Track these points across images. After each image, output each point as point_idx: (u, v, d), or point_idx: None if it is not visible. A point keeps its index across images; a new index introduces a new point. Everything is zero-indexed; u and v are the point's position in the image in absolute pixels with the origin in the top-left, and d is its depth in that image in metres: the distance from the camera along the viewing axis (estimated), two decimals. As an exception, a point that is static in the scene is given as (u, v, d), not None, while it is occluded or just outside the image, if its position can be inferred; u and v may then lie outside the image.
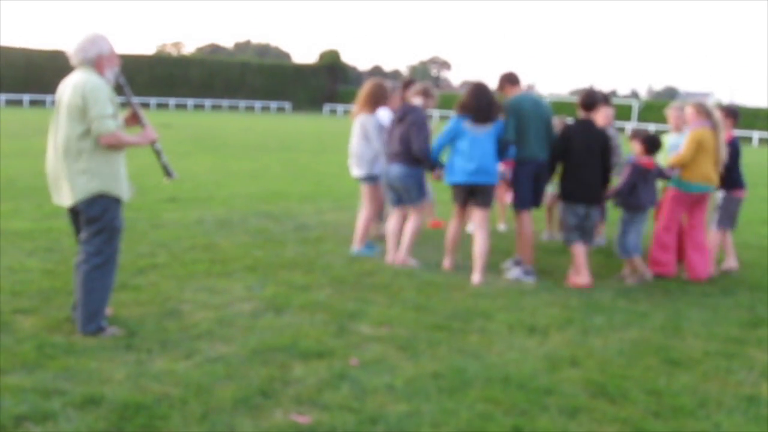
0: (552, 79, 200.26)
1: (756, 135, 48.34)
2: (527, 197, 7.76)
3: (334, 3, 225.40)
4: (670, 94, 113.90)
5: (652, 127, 36.79)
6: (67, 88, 5.18)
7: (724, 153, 7.86)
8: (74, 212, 5.36)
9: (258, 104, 69.74)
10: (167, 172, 5.73)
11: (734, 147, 8.19)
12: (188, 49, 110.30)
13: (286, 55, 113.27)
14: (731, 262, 8.49)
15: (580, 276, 7.54)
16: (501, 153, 7.67)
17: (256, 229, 9.61)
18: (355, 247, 8.49)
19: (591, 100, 7.75)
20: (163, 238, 8.74)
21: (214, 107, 66.54)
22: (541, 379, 4.86)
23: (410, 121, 7.76)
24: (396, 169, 7.85)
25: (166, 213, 10.47)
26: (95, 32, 5.29)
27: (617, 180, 8.05)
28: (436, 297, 6.78)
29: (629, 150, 8.17)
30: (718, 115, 7.89)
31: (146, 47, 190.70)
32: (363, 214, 8.53)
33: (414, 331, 5.72)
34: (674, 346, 5.69)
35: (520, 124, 7.60)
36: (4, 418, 3.92)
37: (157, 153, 5.67)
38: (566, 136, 7.71)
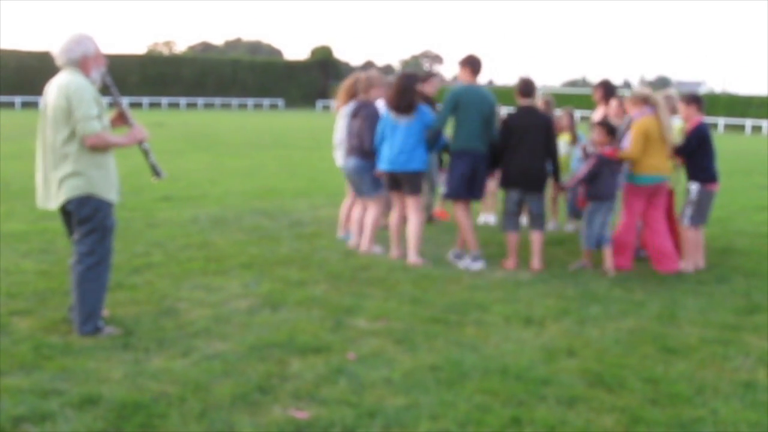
0: (545, 70, 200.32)
1: (749, 123, 48.46)
2: (458, 188, 7.78)
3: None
4: (663, 83, 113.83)
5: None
6: (52, 90, 5.17)
7: (672, 135, 7.66)
8: (66, 213, 5.35)
9: (250, 101, 69.58)
10: (155, 172, 5.71)
11: (701, 134, 7.83)
12: (179, 47, 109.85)
13: (278, 52, 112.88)
14: (699, 261, 8.00)
15: (509, 260, 7.79)
16: (432, 142, 7.86)
17: (251, 227, 9.61)
18: (340, 232, 8.94)
19: (529, 88, 7.83)
20: (158, 237, 8.73)
21: (207, 105, 66.38)
22: (539, 369, 4.87)
23: (363, 116, 8.11)
24: (351, 162, 8.22)
25: (160, 212, 10.46)
26: (80, 33, 5.26)
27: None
28: (432, 290, 6.79)
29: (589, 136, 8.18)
30: (657, 97, 7.76)
31: (137, 47, 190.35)
32: (346, 202, 8.93)
33: (411, 325, 5.73)
34: (670, 334, 5.71)
35: (457, 114, 7.72)
36: (3, 420, 3.92)
37: (145, 152, 5.64)
38: (507, 124, 7.78)
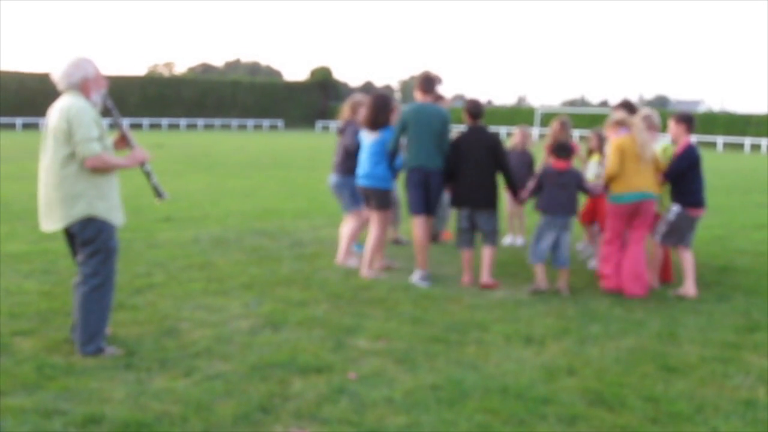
0: (544, 90, 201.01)
1: (748, 141, 48.61)
2: (413, 203, 7.96)
3: (324, 20, 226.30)
4: (662, 102, 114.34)
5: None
6: (54, 113, 5.21)
7: (648, 153, 7.54)
8: (70, 234, 5.38)
9: (250, 122, 69.83)
10: (158, 193, 5.75)
11: (691, 157, 7.71)
12: (179, 69, 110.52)
13: (278, 73, 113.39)
14: (690, 290, 7.63)
15: (464, 276, 7.94)
16: (392, 160, 8.09)
17: (252, 247, 9.64)
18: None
19: (477, 109, 7.98)
20: (160, 257, 8.76)
21: (207, 126, 66.60)
22: (539, 388, 4.89)
23: (346, 135, 8.64)
24: (332, 178, 8.79)
25: (161, 232, 10.49)
26: (79, 56, 5.31)
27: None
28: (432, 310, 6.81)
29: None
30: (631, 120, 7.75)
31: (137, 68, 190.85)
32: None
33: (411, 344, 5.75)
34: (670, 353, 5.72)
35: (408, 133, 7.91)
36: (6, 440, 3.94)
37: (147, 174, 5.68)
38: (456, 143, 7.90)
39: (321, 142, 41.83)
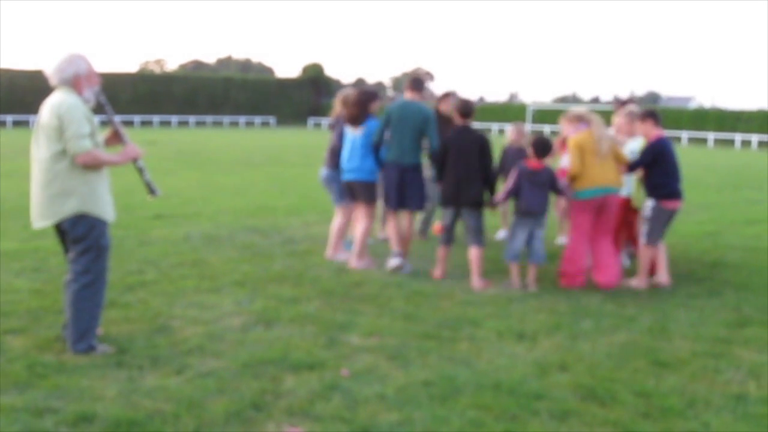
0: (536, 87, 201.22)
1: (738, 137, 48.74)
2: (389, 197, 8.25)
3: (315, 17, 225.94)
4: (653, 98, 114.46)
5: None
6: (45, 109, 5.19)
7: (607, 146, 7.55)
8: (61, 232, 5.36)
9: (242, 119, 69.66)
10: (151, 190, 5.74)
11: (657, 149, 7.71)
12: (171, 66, 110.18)
13: (269, 70, 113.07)
14: (662, 277, 7.86)
15: (436, 269, 8.09)
16: (376, 154, 8.35)
17: (244, 244, 9.62)
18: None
19: (467, 109, 8.04)
20: (151, 255, 8.74)
21: (199, 123, 66.41)
22: (531, 384, 4.90)
23: (337, 131, 8.83)
24: (322, 172, 9.07)
25: (153, 230, 10.47)
26: (72, 52, 5.29)
27: None
28: (424, 306, 6.81)
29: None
30: (590, 115, 7.77)
31: (129, 65, 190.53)
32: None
33: (404, 341, 5.75)
34: (662, 348, 5.74)
35: (389, 128, 8.17)
36: (-3, 439, 3.93)
37: (140, 171, 5.67)
38: (445, 143, 7.99)
39: (313, 139, 41.79)
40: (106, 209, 5.34)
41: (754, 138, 47.77)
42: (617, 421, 4.36)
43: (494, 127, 55.17)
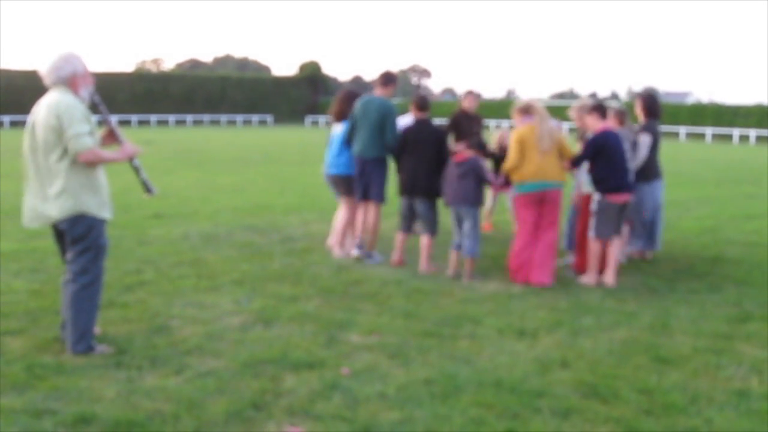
0: (533, 83, 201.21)
1: (736, 132, 48.75)
2: (356, 189, 8.63)
3: (312, 15, 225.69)
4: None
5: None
6: (42, 109, 5.15)
7: (548, 141, 7.52)
8: (59, 232, 5.34)
9: (239, 118, 69.61)
10: (147, 188, 5.71)
11: (598, 143, 7.63)
12: (168, 65, 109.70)
13: (266, 68, 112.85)
14: (608, 278, 7.65)
15: (394, 255, 8.44)
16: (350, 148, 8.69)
17: (243, 243, 9.60)
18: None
19: (423, 103, 8.38)
20: (150, 254, 8.71)
21: (196, 122, 66.36)
22: (533, 381, 4.88)
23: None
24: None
25: (151, 229, 10.44)
26: (68, 51, 5.26)
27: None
28: (424, 304, 6.79)
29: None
30: (538, 107, 7.74)
31: (125, 64, 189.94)
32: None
33: (404, 339, 5.73)
34: (663, 344, 5.72)
35: (354, 124, 8.50)
36: (-5, 441, 3.90)
37: (136, 169, 5.64)
38: (403, 135, 8.28)
39: (311, 137, 41.74)
40: (104, 208, 5.31)
41: (752, 133, 47.77)
42: (619, 419, 4.34)
43: (492, 123, 55.17)
